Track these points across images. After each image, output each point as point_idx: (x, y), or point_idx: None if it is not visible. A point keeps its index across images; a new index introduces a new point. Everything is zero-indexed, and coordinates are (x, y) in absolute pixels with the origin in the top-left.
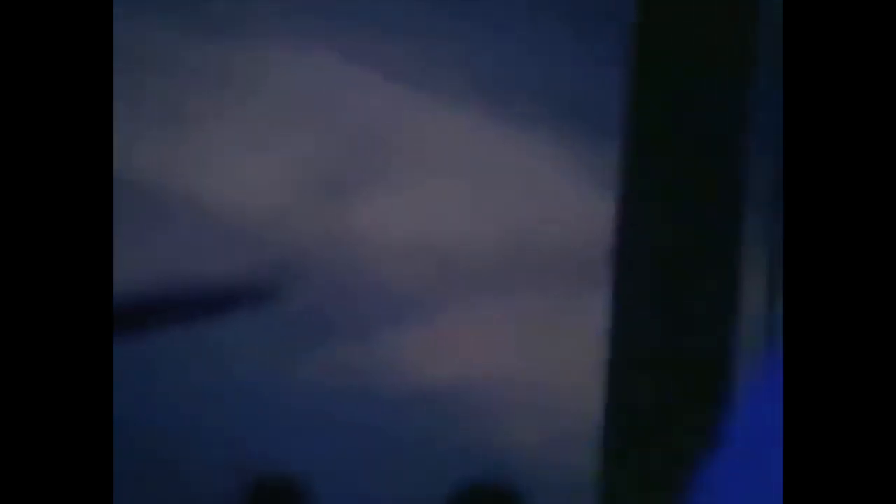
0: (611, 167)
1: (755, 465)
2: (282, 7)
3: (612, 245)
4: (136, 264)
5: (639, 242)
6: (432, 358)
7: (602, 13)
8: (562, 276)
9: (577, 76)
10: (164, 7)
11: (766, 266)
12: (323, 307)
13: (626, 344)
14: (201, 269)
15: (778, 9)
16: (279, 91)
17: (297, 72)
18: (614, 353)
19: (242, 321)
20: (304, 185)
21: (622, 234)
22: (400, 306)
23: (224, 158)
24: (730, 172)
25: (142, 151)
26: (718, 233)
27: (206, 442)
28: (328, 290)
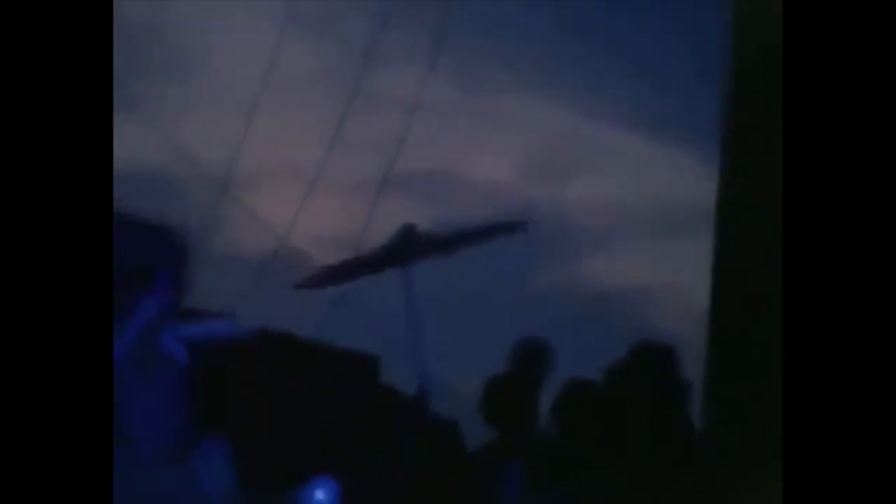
0: (712, 158)
1: None
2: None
3: (713, 207)
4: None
5: (731, 208)
6: (609, 274)
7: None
8: (677, 226)
9: (684, 94)
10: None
11: None
12: (541, 243)
13: (720, 270)
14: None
15: None
16: (510, 117)
17: (519, 106)
18: (714, 277)
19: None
20: (525, 169)
21: (721, 200)
22: (586, 241)
23: (477, 154)
24: None
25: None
26: None
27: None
28: (545, 231)
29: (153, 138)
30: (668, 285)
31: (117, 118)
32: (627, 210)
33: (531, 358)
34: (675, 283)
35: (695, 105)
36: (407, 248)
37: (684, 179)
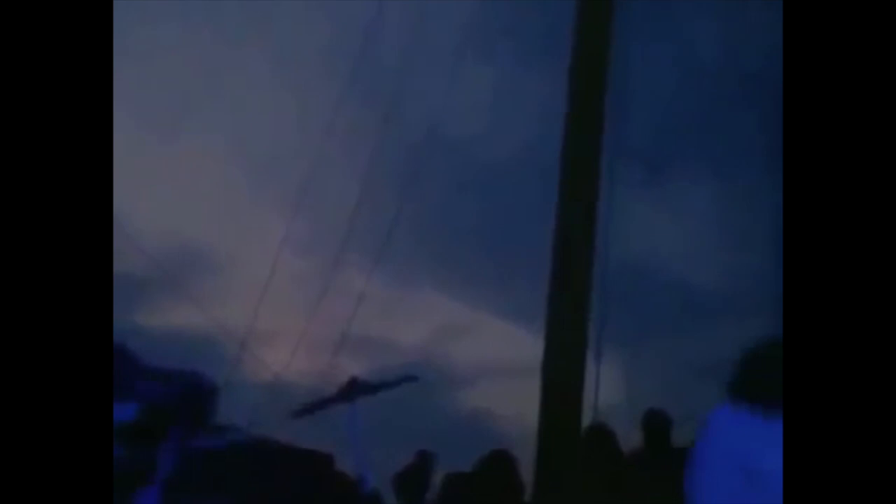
0: (540, 331)
1: None
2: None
3: (539, 364)
4: (372, 367)
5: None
6: (475, 401)
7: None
8: (516, 375)
9: (523, 291)
10: None
11: None
12: (434, 380)
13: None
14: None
15: None
16: (422, 304)
17: (428, 298)
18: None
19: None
20: (428, 337)
21: (546, 358)
22: (461, 381)
23: (400, 326)
24: None
25: None
26: None
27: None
28: (437, 373)
29: (197, 312)
30: (512, 410)
31: (176, 303)
32: (488, 364)
33: (425, 459)
34: (516, 410)
35: (528, 296)
36: (352, 390)
37: (524, 346)
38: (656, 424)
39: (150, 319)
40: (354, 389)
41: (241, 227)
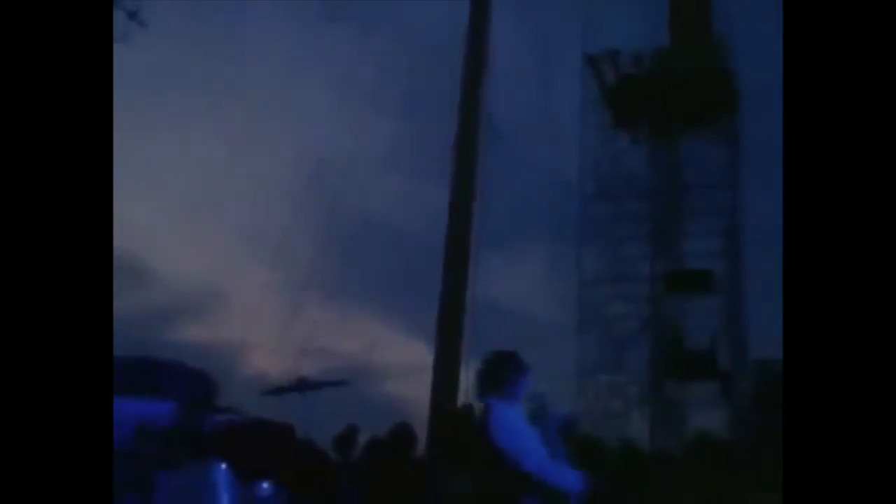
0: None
1: None
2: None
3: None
4: (322, 367)
5: (440, 366)
6: (390, 389)
7: None
8: (421, 375)
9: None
10: None
11: None
12: (359, 377)
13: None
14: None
15: None
16: (360, 328)
17: (365, 322)
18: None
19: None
20: (364, 347)
21: (435, 363)
22: (377, 379)
23: (340, 341)
24: None
25: None
26: None
27: None
28: (361, 374)
29: (208, 331)
30: (412, 396)
31: (193, 324)
32: (397, 365)
33: (352, 428)
34: (415, 395)
35: (424, 321)
36: (303, 384)
37: (421, 354)
38: None
39: (174, 335)
40: (303, 385)
41: (239, 274)
